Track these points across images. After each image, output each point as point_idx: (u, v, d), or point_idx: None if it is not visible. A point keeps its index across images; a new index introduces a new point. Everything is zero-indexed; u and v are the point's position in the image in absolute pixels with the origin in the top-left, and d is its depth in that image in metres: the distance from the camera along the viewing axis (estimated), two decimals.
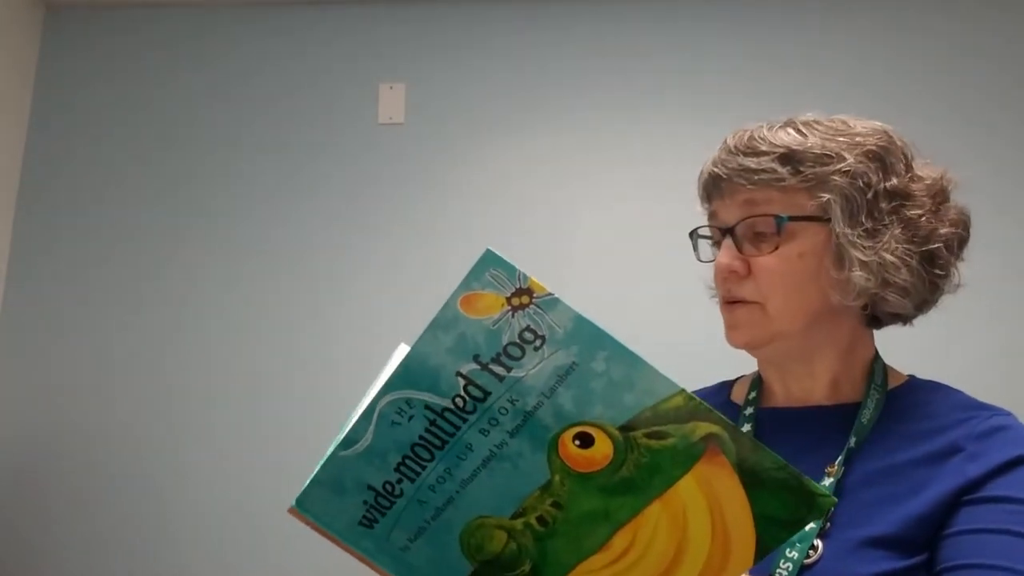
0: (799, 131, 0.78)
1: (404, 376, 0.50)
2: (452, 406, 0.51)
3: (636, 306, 1.91)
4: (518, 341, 0.48)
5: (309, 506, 0.54)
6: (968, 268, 0.81)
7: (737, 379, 0.95)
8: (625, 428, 0.50)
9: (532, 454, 0.51)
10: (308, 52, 2.19)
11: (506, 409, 0.50)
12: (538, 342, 0.47)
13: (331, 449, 0.52)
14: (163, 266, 2.06)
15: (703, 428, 0.51)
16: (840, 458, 0.74)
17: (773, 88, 2.06)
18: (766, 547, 0.53)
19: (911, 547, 0.69)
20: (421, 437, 0.51)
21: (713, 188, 0.81)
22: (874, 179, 0.76)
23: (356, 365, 1.96)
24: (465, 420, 0.51)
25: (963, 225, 0.80)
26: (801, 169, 0.76)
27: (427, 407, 0.51)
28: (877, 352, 0.84)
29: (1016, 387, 1.73)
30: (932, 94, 2.04)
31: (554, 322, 0.47)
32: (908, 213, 0.77)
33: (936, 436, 0.74)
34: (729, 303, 0.79)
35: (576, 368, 0.49)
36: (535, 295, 0.46)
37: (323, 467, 0.53)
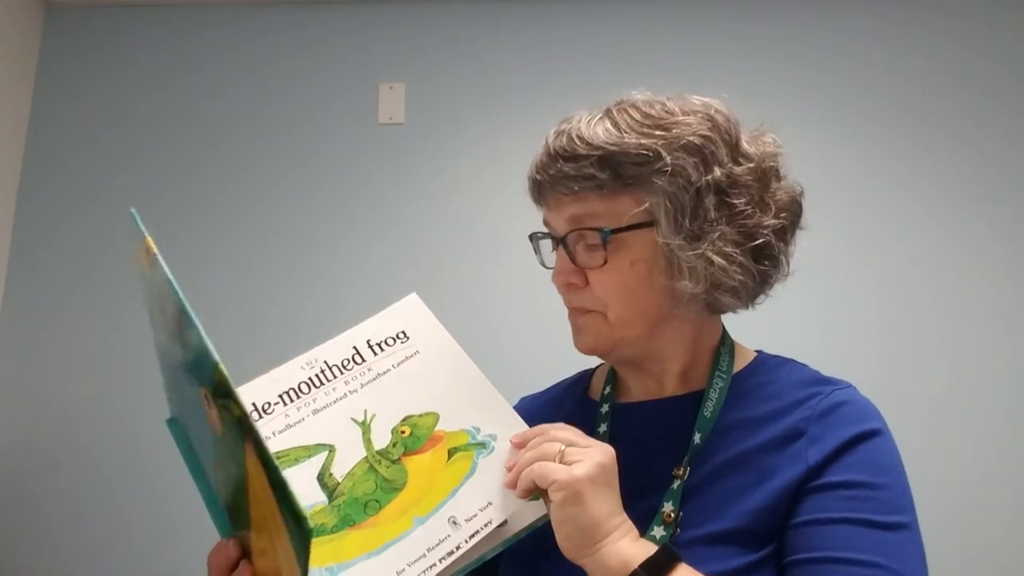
0: (616, 124, 0.73)
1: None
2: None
3: None
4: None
5: (176, 432, 0.69)
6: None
7: (596, 368, 0.93)
8: (217, 393, 0.51)
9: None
10: (308, 52, 2.19)
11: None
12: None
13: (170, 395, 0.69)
14: None
15: (238, 408, 0.49)
16: (686, 459, 0.73)
17: (773, 86, 2.07)
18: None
19: (760, 539, 0.68)
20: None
21: (539, 195, 0.79)
22: (694, 175, 0.72)
23: None
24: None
25: (793, 208, 0.77)
26: (620, 172, 0.72)
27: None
28: (725, 334, 0.83)
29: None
30: (931, 92, 2.05)
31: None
32: (735, 205, 0.73)
33: (779, 419, 0.73)
34: (572, 312, 0.79)
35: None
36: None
37: (178, 415, 0.69)
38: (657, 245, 0.72)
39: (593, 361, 0.98)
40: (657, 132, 0.72)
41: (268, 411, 0.70)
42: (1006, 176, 1.98)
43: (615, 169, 0.72)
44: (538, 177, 0.78)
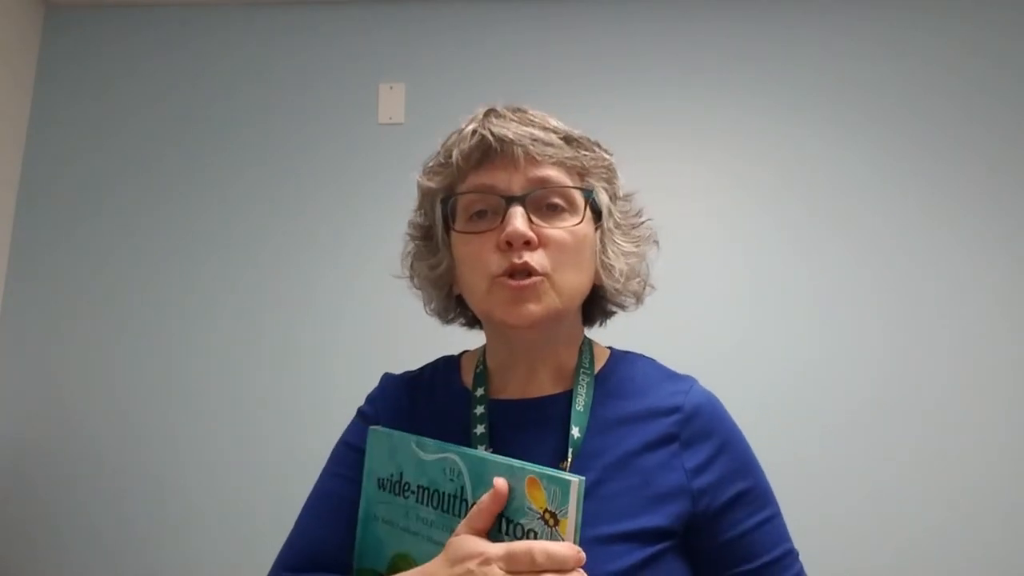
0: (555, 121, 0.81)
1: (477, 464, 0.69)
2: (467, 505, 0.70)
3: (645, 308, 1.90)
4: (526, 529, 0.65)
5: (373, 441, 0.78)
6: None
7: (462, 356, 0.93)
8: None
9: None
10: (308, 52, 2.19)
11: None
12: (531, 536, 0.65)
13: (417, 437, 0.75)
14: (163, 266, 2.06)
15: None
16: (570, 451, 0.76)
17: (771, 85, 2.07)
18: None
19: (651, 537, 0.73)
20: (436, 492, 0.71)
21: (493, 153, 0.77)
22: (617, 184, 0.85)
23: (355, 363, 1.96)
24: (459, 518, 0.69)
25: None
26: (580, 153, 0.80)
27: (462, 488, 0.70)
28: (584, 336, 0.87)
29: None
30: (931, 91, 2.05)
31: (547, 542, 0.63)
32: (631, 218, 0.85)
33: (651, 419, 0.78)
34: (514, 281, 0.75)
35: None
36: (555, 526, 0.63)
37: (402, 437, 0.75)
38: (595, 225, 0.80)
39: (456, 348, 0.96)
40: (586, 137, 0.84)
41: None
42: (1006, 176, 1.99)
43: (576, 149, 0.80)
44: (504, 132, 0.76)
